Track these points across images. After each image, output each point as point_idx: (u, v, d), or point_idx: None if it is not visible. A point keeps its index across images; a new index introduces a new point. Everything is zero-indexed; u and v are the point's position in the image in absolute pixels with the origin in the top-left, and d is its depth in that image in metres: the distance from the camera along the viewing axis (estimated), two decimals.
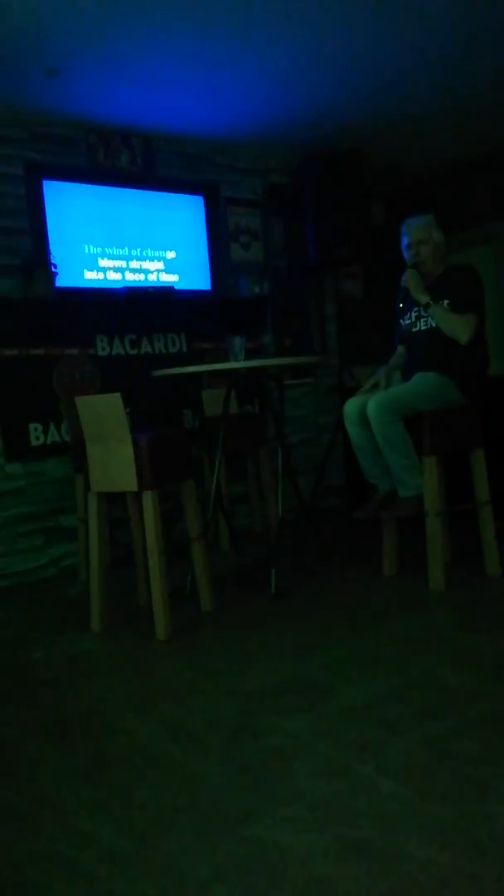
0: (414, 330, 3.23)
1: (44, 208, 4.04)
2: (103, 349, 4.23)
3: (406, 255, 3.24)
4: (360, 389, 3.29)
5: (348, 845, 1.45)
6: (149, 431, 2.83)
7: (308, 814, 1.57)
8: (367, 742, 1.86)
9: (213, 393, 4.30)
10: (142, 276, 4.41)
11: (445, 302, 3.09)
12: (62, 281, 4.01)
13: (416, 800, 1.59)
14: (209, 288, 4.71)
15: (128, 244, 4.36)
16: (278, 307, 4.99)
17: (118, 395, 2.75)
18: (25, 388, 3.94)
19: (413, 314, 3.24)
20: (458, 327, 3.05)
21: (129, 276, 4.35)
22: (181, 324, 4.52)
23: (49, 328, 4.01)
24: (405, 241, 3.23)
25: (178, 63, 3.49)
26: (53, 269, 3.93)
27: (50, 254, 4.02)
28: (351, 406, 3.14)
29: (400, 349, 3.40)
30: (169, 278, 4.52)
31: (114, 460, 2.81)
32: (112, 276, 4.29)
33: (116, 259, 4.31)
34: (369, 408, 2.99)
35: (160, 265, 4.48)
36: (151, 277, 4.44)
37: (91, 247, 4.22)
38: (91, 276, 4.22)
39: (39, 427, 3.99)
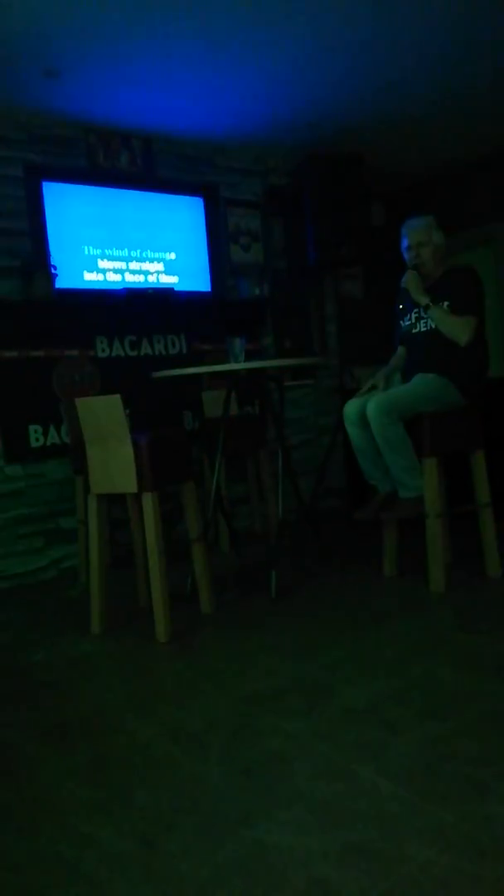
0: (414, 331, 3.23)
1: (43, 210, 4.05)
2: (103, 350, 4.23)
3: (406, 256, 3.23)
4: (359, 391, 3.29)
5: (349, 847, 1.45)
6: (149, 433, 2.83)
7: (308, 815, 1.57)
8: (367, 743, 1.86)
9: (213, 394, 4.30)
10: (142, 278, 4.41)
11: (445, 304, 3.09)
12: (62, 282, 4.01)
13: (417, 801, 1.58)
14: (209, 289, 4.71)
15: (128, 245, 4.36)
16: (278, 308, 4.99)
17: (118, 396, 2.75)
18: (25, 389, 3.94)
19: (413, 315, 3.24)
20: (458, 329, 3.05)
21: (129, 278, 4.35)
22: (181, 325, 4.52)
23: (49, 330, 4.01)
24: (405, 242, 3.23)
25: (178, 63, 3.49)
26: (53, 271, 3.93)
27: (50, 255, 4.02)
28: (351, 407, 3.14)
29: (400, 350, 3.39)
30: (169, 280, 4.52)
31: (114, 462, 2.81)
32: (112, 277, 4.29)
33: (116, 260, 4.31)
34: (369, 409, 2.99)
35: (160, 266, 4.48)
36: (151, 279, 4.44)
37: (91, 248, 4.22)
38: (91, 278, 4.22)
39: (39, 429, 3.99)
